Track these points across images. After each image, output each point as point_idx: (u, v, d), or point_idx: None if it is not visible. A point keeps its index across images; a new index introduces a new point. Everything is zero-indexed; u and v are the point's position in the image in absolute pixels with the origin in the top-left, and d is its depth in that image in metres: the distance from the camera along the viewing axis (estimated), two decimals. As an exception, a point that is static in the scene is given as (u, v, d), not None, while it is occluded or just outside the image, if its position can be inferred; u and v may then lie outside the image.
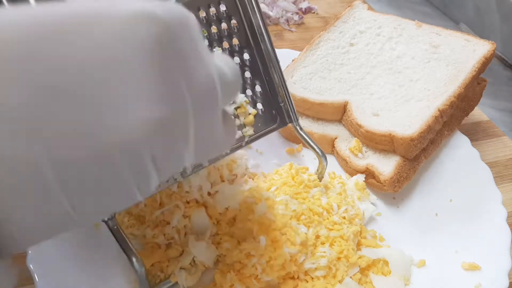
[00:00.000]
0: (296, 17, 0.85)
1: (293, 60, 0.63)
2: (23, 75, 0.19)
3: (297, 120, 0.48)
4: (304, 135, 0.50)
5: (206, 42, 0.43)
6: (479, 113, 0.69)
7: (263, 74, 0.45)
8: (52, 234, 0.23)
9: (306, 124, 0.59)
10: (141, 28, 0.22)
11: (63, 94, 0.20)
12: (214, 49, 0.44)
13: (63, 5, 0.21)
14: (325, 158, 0.50)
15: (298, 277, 0.43)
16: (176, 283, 0.42)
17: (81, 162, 0.21)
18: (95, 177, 0.22)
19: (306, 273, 0.43)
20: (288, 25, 0.84)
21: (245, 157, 0.51)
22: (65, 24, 0.21)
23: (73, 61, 0.21)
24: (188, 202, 0.45)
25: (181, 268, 0.42)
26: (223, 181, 0.47)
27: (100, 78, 0.21)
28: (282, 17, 0.84)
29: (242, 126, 0.45)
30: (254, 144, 0.52)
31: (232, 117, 0.31)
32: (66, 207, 0.22)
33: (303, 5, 0.89)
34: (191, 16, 0.26)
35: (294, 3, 0.88)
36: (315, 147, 0.50)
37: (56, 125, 0.20)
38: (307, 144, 0.50)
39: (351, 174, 0.56)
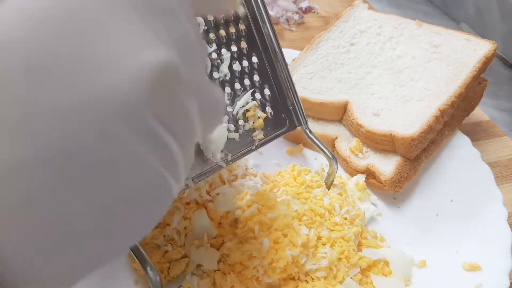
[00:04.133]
0: (296, 17, 0.85)
1: (293, 60, 0.63)
2: None
3: (307, 123, 0.48)
4: (314, 138, 0.49)
5: (214, 46, 0.43)
6: (480, 113, 0.69)
7: (271, 77, 0.45)
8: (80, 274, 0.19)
9: (306, 124, 0.59)
10: None
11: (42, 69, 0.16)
12: (222, 52, 0.43)
13: None
14: (336, 161, 0.49)
15: (298, 278, 0.42)
16: None
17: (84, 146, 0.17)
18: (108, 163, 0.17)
19: (306, 274, 0.43)
20: (288, 24, 0.84)
21: (245, 157, 0.51)
22: None
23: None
24: (188, 203, 0.44)
25: (192, 274, 0.42)
26: (223, 181, 0.47)
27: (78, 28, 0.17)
28: (282, 16, 0.84)
29: (252, 130, 0.45)
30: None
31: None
32: (96, 216, 0.18)
33: (303, 5, 0.88)
34: None
35: (294, 2, 0.87)
36: (326, 150, 0.49)
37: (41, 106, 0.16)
38: (316, 147, 0.50)
39: (352, 174, 0.55)
